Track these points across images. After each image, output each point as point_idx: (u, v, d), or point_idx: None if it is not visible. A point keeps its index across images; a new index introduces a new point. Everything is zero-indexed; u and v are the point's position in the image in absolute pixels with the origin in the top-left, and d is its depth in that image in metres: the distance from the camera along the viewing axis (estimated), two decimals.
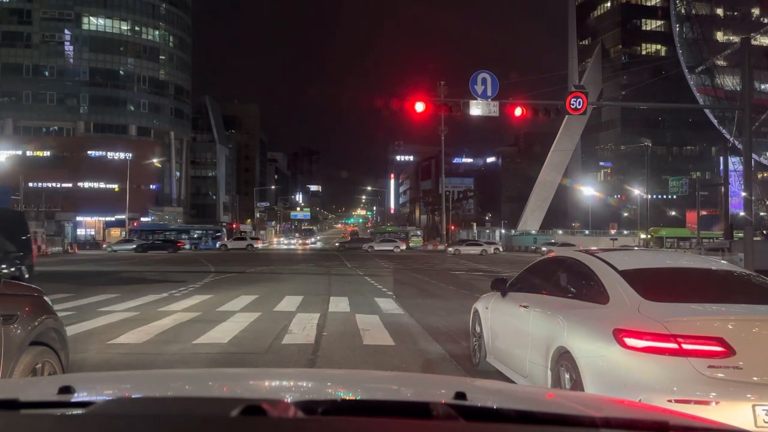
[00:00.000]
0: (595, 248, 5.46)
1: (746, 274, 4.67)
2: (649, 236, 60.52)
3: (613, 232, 71.49)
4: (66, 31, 75.66)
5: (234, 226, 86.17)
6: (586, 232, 75.55)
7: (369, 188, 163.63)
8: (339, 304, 12.49)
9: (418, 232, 77.72)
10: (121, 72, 78.59)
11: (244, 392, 1.90)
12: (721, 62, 74.09)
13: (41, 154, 72.07)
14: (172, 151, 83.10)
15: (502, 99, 18.74)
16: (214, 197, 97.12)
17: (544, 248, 53.79)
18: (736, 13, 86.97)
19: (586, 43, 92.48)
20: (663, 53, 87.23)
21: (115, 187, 66.95)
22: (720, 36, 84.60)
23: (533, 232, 74.27)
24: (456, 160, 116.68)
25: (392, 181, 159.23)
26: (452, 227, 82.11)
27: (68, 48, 76.11)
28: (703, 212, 56.78)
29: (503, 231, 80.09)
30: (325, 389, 1.94)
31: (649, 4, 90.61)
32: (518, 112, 18.71)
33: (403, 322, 10.15)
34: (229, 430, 1.09)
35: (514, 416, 1.34)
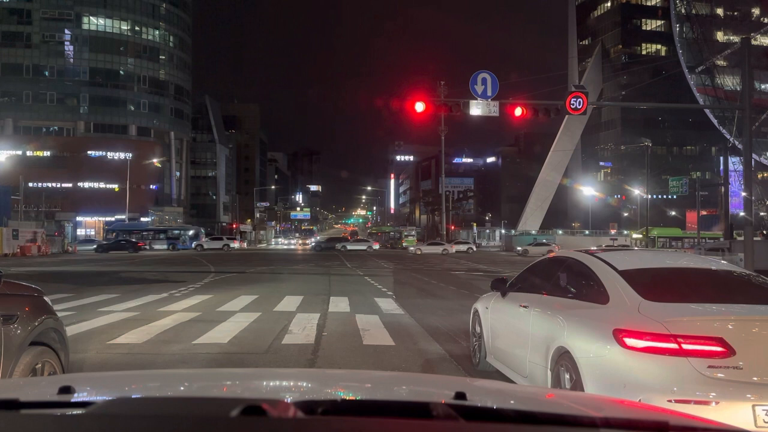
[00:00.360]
0: (595, 248, 5.46)
1: (746, 274, 4.67)
2: (641, 235, 60.82)
3: (613, 232, 71.49)
4: (66, 31, 75.69)
5: (234, 226, 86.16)
6: (586, 232, 75.55)
7: (369, 188, 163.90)
8: (339, 304, 12.49)
9: (413, 232, 78.19)
10: (121, 72, 78.62)
11: (244, 392, 1.90)
12: (721, 62, 74.08)
13: (41, 154, 72.14)
14: (172, 151, 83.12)
15: (502, 99, 18.75)
16: (214, 197, 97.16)
17: (518, 248, 54.48)
18: (736, 13, 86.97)
19: (586, 43, 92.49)
20: (663, 53, 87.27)
21: (115, 187, 66.99)
22: (720, 36, 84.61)
23: (533, 232, 74.24)
24: (456, 160, 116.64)
25: (392, 181, 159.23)
26: (452, 227, 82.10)
27: (68, 48, 76.14)
28: (704, 212, 56.80)
29: (503, 231, 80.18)
30: (325, 389, 1.94)
31: (649, 4, 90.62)
32: (518, 112, 18.71)
33: (403, 322, 10.15)
34: (229, 430, 1.09)
35: (514, 416, 1.34)
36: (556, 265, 5.35)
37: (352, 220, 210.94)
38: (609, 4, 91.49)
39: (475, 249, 56.42)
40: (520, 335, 5.13)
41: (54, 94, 75.43)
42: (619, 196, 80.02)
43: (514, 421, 1.32)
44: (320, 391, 1.91)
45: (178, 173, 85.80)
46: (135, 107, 79.64)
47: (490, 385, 2.49)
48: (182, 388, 1.91)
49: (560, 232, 75.04)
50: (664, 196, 66.17)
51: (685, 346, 3.41)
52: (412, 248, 54.62)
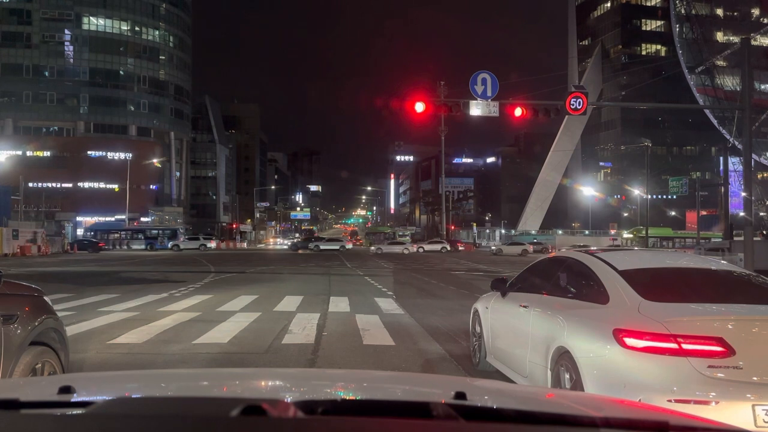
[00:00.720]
0: (596, 248, 5.46)
1: (746, 274, 4.67)
2: (631, 235, 61.14)
3: (613, 232, 71.56)
4: (66, 31, 75.69)
5: (234, 226, 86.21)
6: (586, 232, 75.60)
7: (369, 188, 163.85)
8: (339, 304, 12.48)
9: (406, 232, 78.75)
10: (121, 72, 78.62)
11: (244, 392, 1.90)
12: (721, 62, 74.10)
13: (41, 154, 72.16)
14: (172, 151, 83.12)
15: (502, 99, 18.75)
16: (214, 197, 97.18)
17: (493, 247, 55.24)
18: (736, 14, 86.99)
19: (586, 43, 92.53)
20: (663, 53, 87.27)
21: (115, 187, 67.00)
22: (720, 36, 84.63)
23: (533, 232, 74.30)
24: (456, 160, 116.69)
25: (392, 181, 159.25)
26: (452, 227, 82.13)
27: (68, 48, 76.14)
28: (704, 212, 56.85)
29: (503, 231, 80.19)
30: (325, 389, 1.94)
31: (649, 4, 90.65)
32: (518, 112, 18.72)
33: (403, 322, 10.15)
34: (229, 430, 1.09)
35: (514, 416, 1.34)
36: (556, 265, 5.35)
37: (352, 220, 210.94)
38: (609, 4, 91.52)
39: (448, 248, 56.46)
40: (520, 335, 5.13)
41: (54, 94, 75.42)
42: (619, 196, 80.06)
43: (514, 421, 1.31)
44: (320, 391, 1.91)
45: (178, 173, 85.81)
46: (135, 107, 79.64)
47: (490, 385, 2.49)
48: (182, 388, 1.91)
49: (560, 232, 75.08)
50: (664, 196, 66.22)
51: (685, 346, 3.41)
52: (373, 248, 56.01)
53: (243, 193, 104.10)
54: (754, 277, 4.56)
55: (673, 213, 71.84)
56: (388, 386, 2.08)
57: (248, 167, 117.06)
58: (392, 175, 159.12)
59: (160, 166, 75.52)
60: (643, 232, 57.66)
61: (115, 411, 1.27)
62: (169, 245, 54.92)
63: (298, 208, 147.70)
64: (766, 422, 3.18)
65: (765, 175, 76.83)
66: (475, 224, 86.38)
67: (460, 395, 1.44)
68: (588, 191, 78.77)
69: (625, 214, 79.31)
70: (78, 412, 1.30)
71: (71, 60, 76.10)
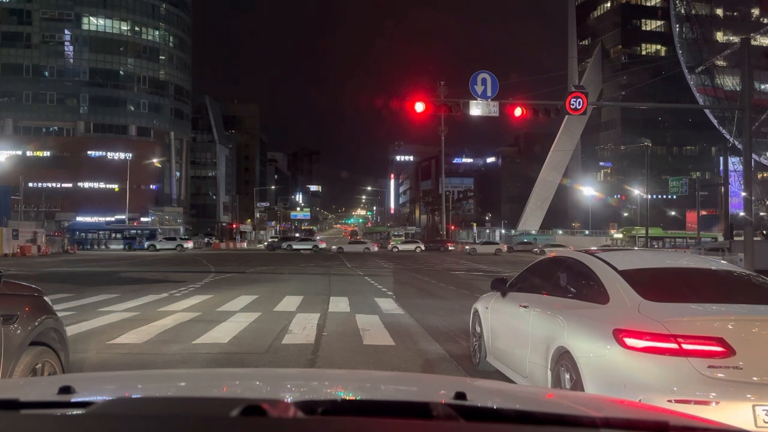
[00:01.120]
0: (595, 248, 5.46)
1: (746, 274, 4.67)
2: (621, 235, 61.37)
3: (613, 232, 71.55)
4: (66, 31, 75.72)
5: (234, 226, 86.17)
6: (586, 232, 75.63)
7: (369, 188, 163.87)
8: (339, 304, 12.48)
9: (401, 233, 79.16)
10: (121, 72, 78.64)
11: (244, 392, 1.90)
12: (720, 62, 74.11)
13: (41, 154, 72.19)
14: (172, 151, 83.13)
15: (502, 99, 18.75)
16: (214, 197, 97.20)
17: (467, 247, 56.28)
18: (736, 14, 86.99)
19: (586, 43, 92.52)
20: (663, 53, 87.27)
21: (115, 187, 67.02)
22: (720, 36, 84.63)
23: (533, 232, 74.30)
24: (456, 160, 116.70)
25: (392, 181, 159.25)
26: (452, 227, 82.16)
27: (68, 48, 76.17)
28: (704, 212, 56.83)
29: (503, 231, 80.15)
30: (325, 389, 1.94)
31: (649, 4, 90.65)
32: (518, 112, 18.71)
33: (403, 322, 10.15)
34: (229, 430, 1.09)
35: (514, 416, 1.34)
36: (556, 265, 5.35)
37: (352, 220, 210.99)
38: (609, 4, 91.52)
39: (423, 248, 57.57)
40: (520, 335, 5.13)
41: (54, 94, 75.46)
42: (619, 196, 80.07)
43: (514, 421, 1.31)
44: (320, 391, 1.91)
45: (178, 173, 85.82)
46: (135, 107, 79.66)
47: (490, 385, 2.49)
48: (182, 388, 1.91)
49: (560, 232, 75.10)
50: (664, 196, 66.21)
51: (685, 346, 3.41)
52: (334, 248, 56.94)
53: (243, 193, 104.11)
54: (754, 277, 4.56)
55: (673, 213, 71.83)
56: (388, 386, 2.08)
57: (248, 167, 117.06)
58: (392, 175, 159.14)
59: (160, 166, 75.53)
60: (633, 231, 58.02)
61: (115, 411, 1.27)
62: (146, 245, 54.91)
63: (298, 208, 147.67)
64: (766, 422, 3.17)
65: (765, 175, 76.84)
66: (475, 224, 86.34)
67: (460, 395, 1.44)
68: (588, 191, 78.78)
69: (625, 214, 79.30)
70: (78, 412, 1.30)
71: (71, 60, 76.13)
